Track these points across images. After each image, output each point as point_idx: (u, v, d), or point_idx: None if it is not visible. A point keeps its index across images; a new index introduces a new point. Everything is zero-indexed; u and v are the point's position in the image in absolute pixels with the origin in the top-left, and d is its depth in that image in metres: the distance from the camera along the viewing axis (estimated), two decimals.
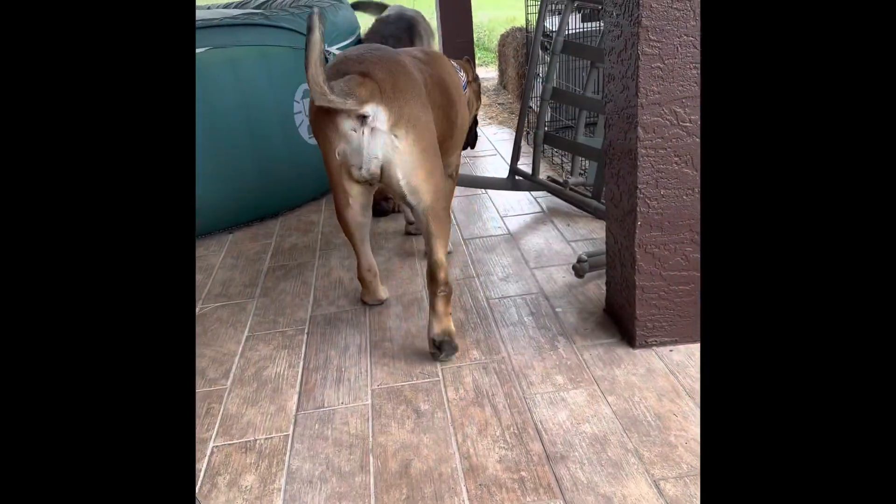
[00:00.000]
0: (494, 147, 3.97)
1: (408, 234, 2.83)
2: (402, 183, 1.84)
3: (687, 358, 1.81)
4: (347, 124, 1.76)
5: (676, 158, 1.70)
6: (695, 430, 1.55)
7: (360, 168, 1.83)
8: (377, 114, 1.75)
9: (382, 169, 1.83)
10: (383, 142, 1.78)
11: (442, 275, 1.92)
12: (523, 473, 1.48)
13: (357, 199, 1.98)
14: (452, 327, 1.95)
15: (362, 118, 1.75)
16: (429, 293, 1.94)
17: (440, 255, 1.93)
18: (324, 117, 1.79)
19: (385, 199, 3.00)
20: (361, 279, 2.24)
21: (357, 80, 1.72)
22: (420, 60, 2.08)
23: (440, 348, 1.91)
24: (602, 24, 3.20)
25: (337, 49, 3.28)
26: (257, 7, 4.11)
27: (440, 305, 1.92)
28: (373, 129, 1.76)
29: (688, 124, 1.67)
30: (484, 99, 5.02)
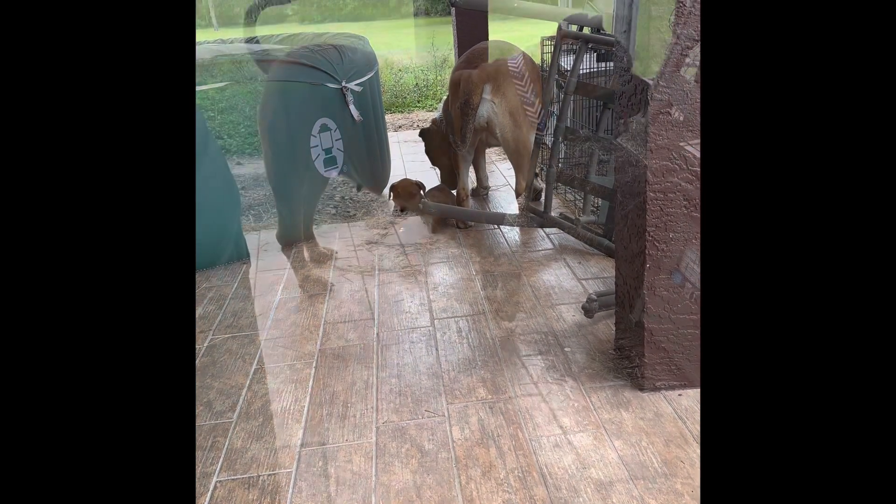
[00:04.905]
0: (508, 182, 3.99)
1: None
2: (498, 131, 3.09)
3: (695, 403, 1.79)
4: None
5: (685, 202, 1.70)
6: None
7: (475, 120, 3.10)
8: (485, 89, 3.03)
9: (488, 122, 3.08)
10: (486, 106, 3.06)
11: (522, 190, 3.18)
12: None
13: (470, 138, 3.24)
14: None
15: None
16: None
17: (522, 182, 3.17)
18: (454, 90, 3.16)
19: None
20: (458, 196, 3.38)
21: (470, 74, 3.05)
22: (530, 64, 3.29)
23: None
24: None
25: (356, 85, 3.33)
26: (278, 43, 4.21)
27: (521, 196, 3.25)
28: (482, 98, 3.03)
29: (696, 169, 1.67)
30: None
